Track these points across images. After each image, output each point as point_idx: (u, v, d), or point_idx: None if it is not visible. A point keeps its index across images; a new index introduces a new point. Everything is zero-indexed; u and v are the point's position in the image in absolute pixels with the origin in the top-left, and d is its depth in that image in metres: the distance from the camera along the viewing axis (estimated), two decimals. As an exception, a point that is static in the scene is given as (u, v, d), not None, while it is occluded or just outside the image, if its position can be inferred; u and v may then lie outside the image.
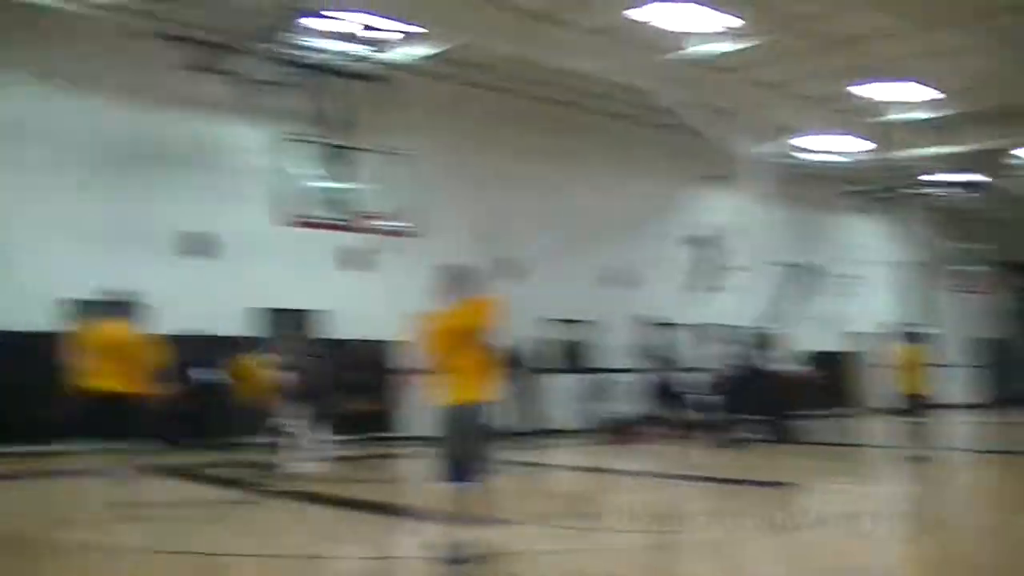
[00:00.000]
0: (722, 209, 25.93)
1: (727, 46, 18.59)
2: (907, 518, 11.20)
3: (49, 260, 17.44)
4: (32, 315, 17.03)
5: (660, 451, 15.19)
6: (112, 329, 10.40)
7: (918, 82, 21.51)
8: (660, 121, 24.27)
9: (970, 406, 33.66)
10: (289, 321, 19.93)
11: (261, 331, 19.34)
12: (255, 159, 17.38)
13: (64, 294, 17.00)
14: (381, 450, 18.35)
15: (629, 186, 26.19)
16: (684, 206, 27.56)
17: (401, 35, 17.83)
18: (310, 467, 14.09)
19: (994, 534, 9.87)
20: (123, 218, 18.46)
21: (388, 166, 16.98)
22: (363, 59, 17.66)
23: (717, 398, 24.53)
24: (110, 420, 9.87)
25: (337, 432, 15.63)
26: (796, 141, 25.47)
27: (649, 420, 22.53)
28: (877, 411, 31.43)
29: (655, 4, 17.41)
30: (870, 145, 25.55)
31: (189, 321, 17.59)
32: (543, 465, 16.08)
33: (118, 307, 10.74)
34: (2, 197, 17.40)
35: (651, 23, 17.95)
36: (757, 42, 18.31)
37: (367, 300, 20.67)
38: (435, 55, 19.01)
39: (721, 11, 17.66)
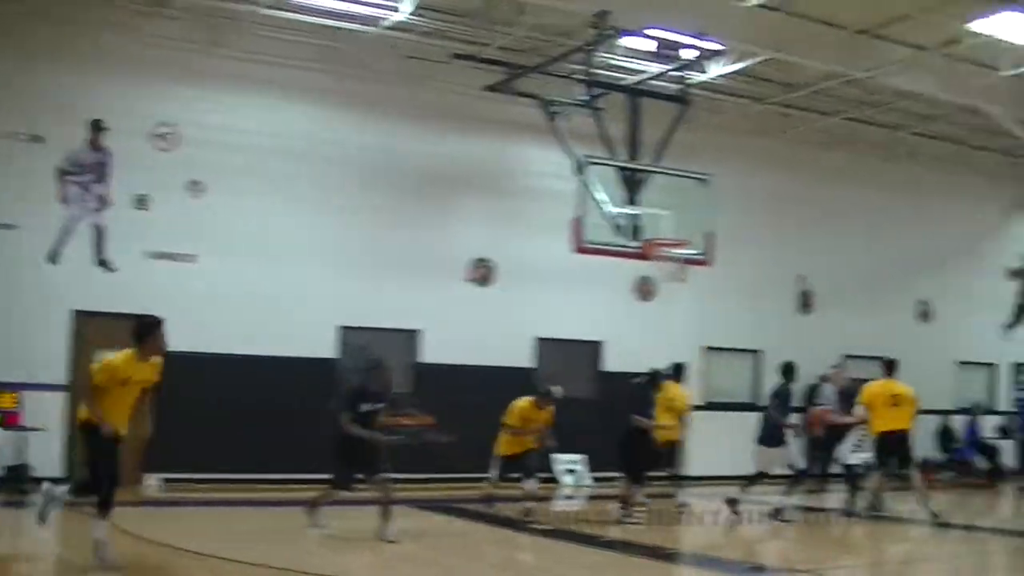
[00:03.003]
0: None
1: None
2: None
3: (334, 288, 19.51)
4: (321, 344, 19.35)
5: (960, 500, 16.17)
6: None
7: None
8: (993, 144, 24.99)
9: None
10: (577, 353, 21.61)
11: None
12: (557, 183, 18.69)
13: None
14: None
15: (953, 213, 26.64)
16: (1012, 235, 27.98)
17: (707, 52, 18.54)
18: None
19: None
20: (416, 245, 20.20)
21: (686, 191, 18.14)
22: (672, 79, 18.53)
23: (1017, 443, 25.37)
24: None
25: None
26: None
27: (945, 466, 23.36)
28: None
29: (1004, 13, 17.21)
30: None
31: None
32: (820, 510, 17.24)
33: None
34: (281, 222, 19.30)
35: (994, 36, 18.06)
36: None
37: (651, 331, 21.92)
38: (740, 72, 19.83)
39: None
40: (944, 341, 25.60)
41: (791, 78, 20.86)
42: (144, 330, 10.25)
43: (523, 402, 15.90)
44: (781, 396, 16.53)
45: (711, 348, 22.89)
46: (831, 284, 24.26)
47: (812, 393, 22.83)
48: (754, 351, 23.56)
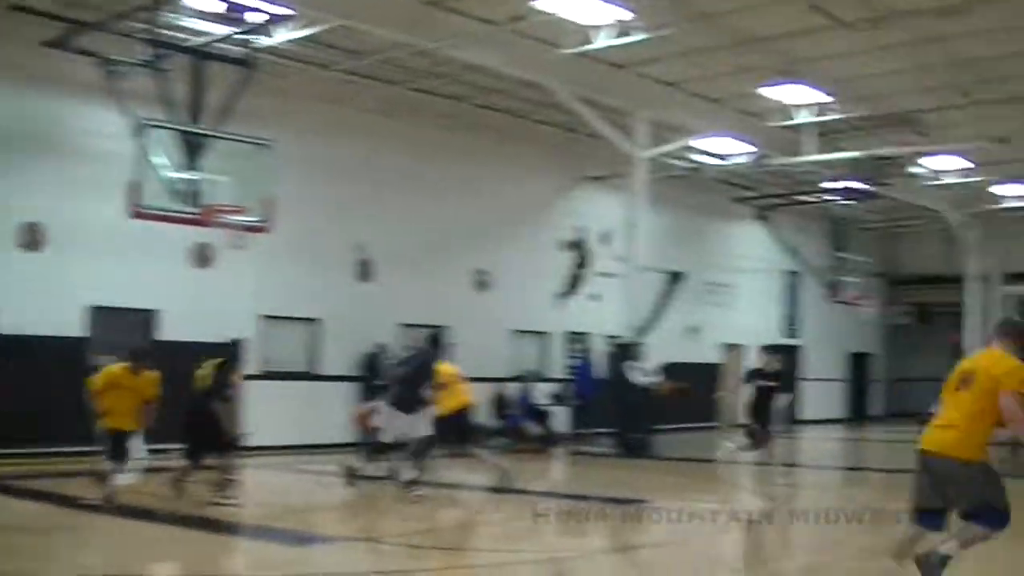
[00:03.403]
0: (607, 212, 27.98)
1: (624, 40, 19.52)
2: (755, 534, 13.21)
3: None
4: None
5: (511, 466, 16.92)
6: None
7: (813, 86, 23.37)
8: (553, 119, 25.87)
9: (837, 421, 36.80)
10: (126, 322, 20.96)
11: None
12: (114, 145, 18.08)
13: None
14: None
15: (512, 185, 27.73)
16: (568, 208, 29.25)
17: (274, 16, 18.15)
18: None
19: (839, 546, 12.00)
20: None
21: (247, 157, 17.99)
22: (238, 42, 18.18)
23: (569, 409, 26.86)
24: None
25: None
26: (690, 143, 27.11)
27: (500, 433, 24.25)
28: (741, 426, 34.13)
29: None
30: (764, 149, 27.44)
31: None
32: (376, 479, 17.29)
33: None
34: None
35: (557, 15, 18.82)
36: (647, 36, 19.20)
37: (209, 299, 21.61)
38: (308, 39, 19.67)
39: (624, 6, 18.63)
40: (500, 310, 26.58)
41: (358, 46, 20.90)
42: None
43: (115, 368, 15.01)
44: (424, 364, 16.30)
45: (269, 316, 22.79)
46: (391, 252, 24.60)
47: (372, 362, 23.28)
48: (313, 320, 23.66)
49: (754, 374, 19.99)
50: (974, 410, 8.38)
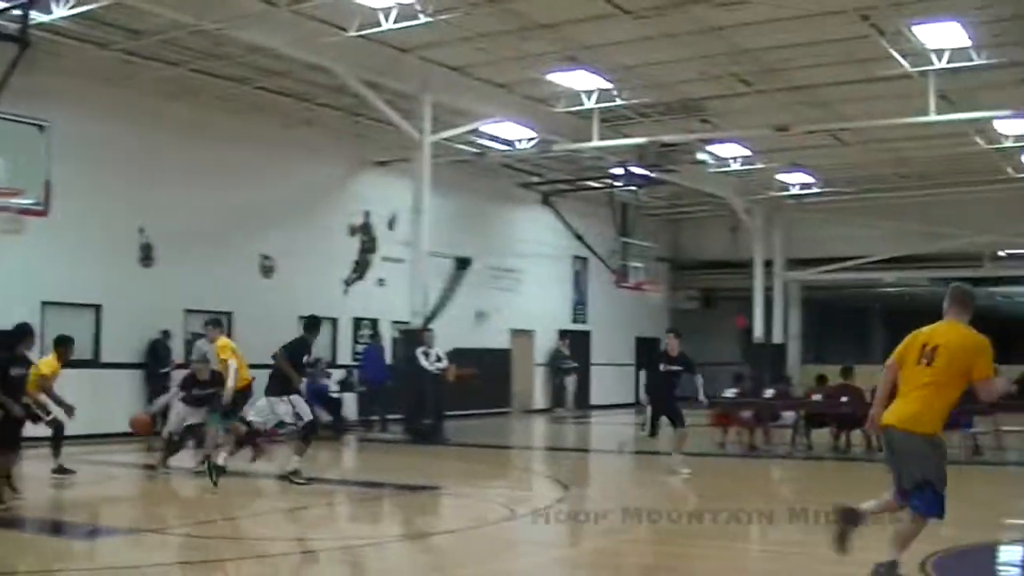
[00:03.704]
0: (394, 197, 28.25)
1: (409, 24, 19.60)
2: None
3: None
4: None
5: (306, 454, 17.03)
6: None
7: (598, 72, 23.90)
8: (338, 103, 25.98)
9: (626, 405, 37.68)
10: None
11: None
12: None
13: None
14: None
15: (298, 169, 27.69)
16: (354, 193, 29.50)
17: None
18: None
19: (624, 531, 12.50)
20: None
21: (22, 138, 17.71)
22: (12, 18, 17.56)
23: (358, 395, 27.02)
24: None
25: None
26: (476, 128, 27.48)
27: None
28: (534, 411, 34.92)
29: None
30: (550, 135, 27.85)
31: None
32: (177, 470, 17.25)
33: None
34: None
35: None
36: (432, 19, 19.42)
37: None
38: (85, 15, 19.24)
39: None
40: (286, 295, 26.46)
41: (137, 25, 20.60)
42: None
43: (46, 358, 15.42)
44: (297, 349, 16.27)
45: (49, 303, 22.38)
46: (174, 237, 24.35)
47: (156, 348, 23.11)
48: (95, 306, 23.32)
49: (660, 357, 18.65)
50: (936, 383, 8.41)
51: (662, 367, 18.24)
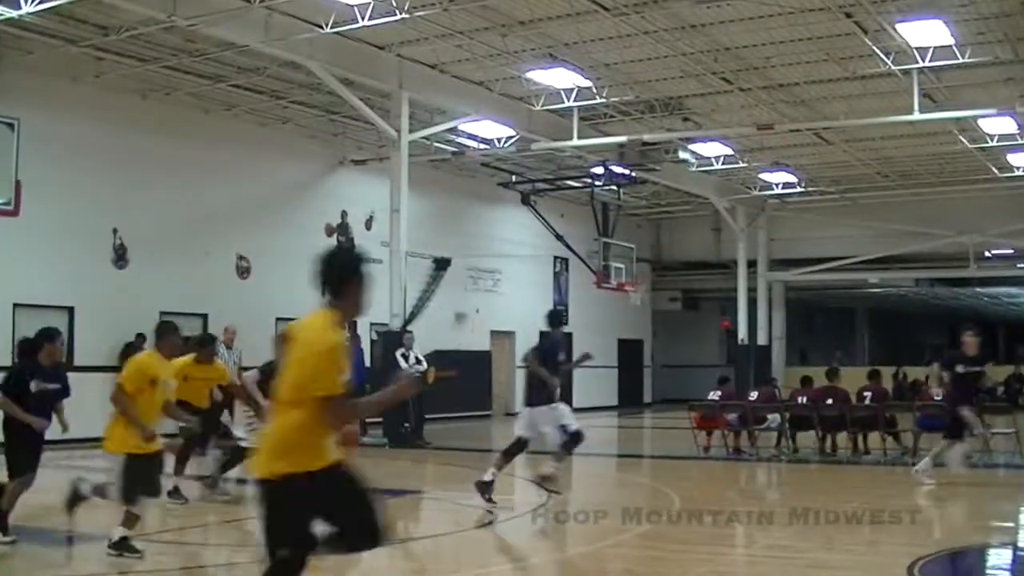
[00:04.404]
0: (371, 197, 28.21)
1: (386, 20, 19.59)
2: (533, 524, 13.61)
3: None
4: None
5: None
6: None
7: (578, 70, 23.91)
8: (314, 101, 26.00)
9: (609, 408, 37.76)
10: None
11: None
12: None
13: None
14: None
15: (273, 168, 27.73)
16: (331, 192, 29.49)
17: None
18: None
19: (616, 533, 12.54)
20: None
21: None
22: None
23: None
24: None
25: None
26: (454, 126, 27.55)
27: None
28: (515, 414, 34.82)
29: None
30: (529, 134, 27.78)
31: None
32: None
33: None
34: None
35: None
36: (409, 15, 19.45)
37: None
38: (55, 11, 19.18)
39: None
40: (263, 297, 26.40)
41: (108, 21, 20.53)
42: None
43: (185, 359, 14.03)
44: (548, 348, 15.49)
45: (21, 304, 22.30)
46: (149, 238, 24.31)
47: (131, 352, 23.02)
48: (68, 308, 23.23)
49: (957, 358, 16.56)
50: None
51: (960, 369, 16.44)
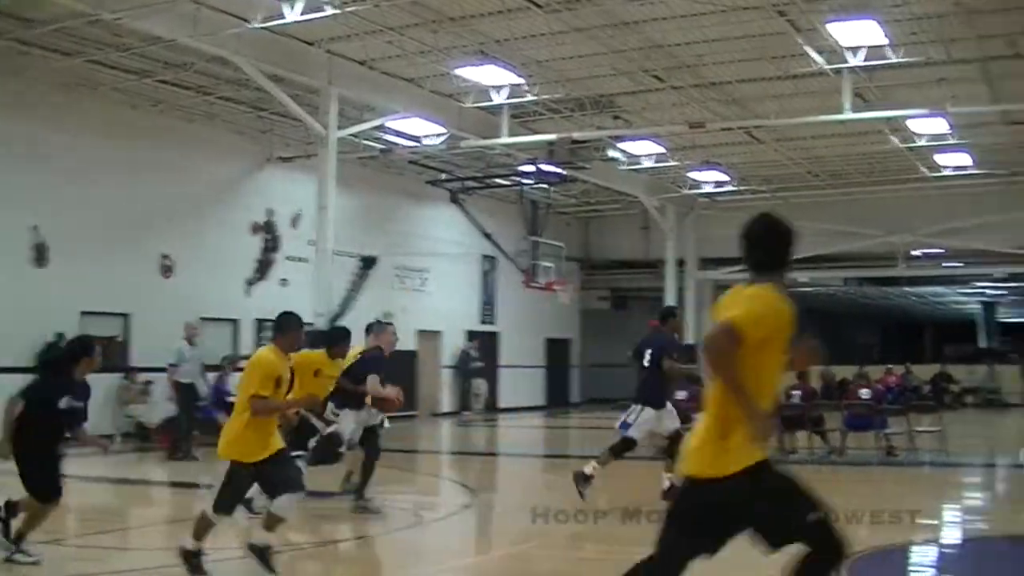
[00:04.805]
0: (298, 194, 28.22)
1: (315, 15, 19.59)
2: (458, 526, 13.71)
3: None
4: None
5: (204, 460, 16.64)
6: None
7: (508, 67, 23.94)
8: (241, 97, 25.87)
9: (536, 408, 37.86)
10: None
11: None
12: None
13: None
14: None
15: (199, 166, 27.53)
16: (257, 190, 29.30)
17: None
18: None
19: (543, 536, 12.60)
20: None
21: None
22: None
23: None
24: None
25: None
26: (383, 123, 27.51)
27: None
28: (440, 414, 34.94)
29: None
30: (459, 131, 27.79)
31: None
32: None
33: None
34: None
35: None
36: (338, 11, 19.55)
37: None
38: None
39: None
40: (187, 296, 26.21)
41: (31, 13, 20.34)
42: None
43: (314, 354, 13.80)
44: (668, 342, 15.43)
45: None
46: (69, 236, 23.97)
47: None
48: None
49: None
50: None
51: None
